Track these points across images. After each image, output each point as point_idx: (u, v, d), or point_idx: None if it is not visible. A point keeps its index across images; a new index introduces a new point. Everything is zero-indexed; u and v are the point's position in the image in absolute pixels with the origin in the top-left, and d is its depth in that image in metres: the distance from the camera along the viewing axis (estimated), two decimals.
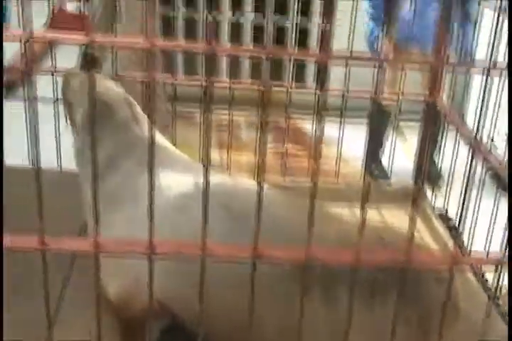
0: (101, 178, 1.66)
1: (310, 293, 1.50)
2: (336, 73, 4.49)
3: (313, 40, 4.76)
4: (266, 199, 1.29)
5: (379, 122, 3.64)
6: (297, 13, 4.51)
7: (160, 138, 1.86)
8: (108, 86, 1.88)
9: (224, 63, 4.63)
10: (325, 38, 1.01)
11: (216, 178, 1.67)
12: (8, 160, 3.04)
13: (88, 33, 0.87)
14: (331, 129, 3.65)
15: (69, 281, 1.87)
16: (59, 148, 2.40)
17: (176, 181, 1.67)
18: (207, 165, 0.99)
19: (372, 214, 1.50)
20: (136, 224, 1.57)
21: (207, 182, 0.98)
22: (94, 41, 0.89)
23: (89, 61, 1.83)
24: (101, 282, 1.64)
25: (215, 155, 3.79)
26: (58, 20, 5.73)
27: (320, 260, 1.03)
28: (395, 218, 2.17)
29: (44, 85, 4.26)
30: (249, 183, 1.72)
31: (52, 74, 2.30)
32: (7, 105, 3.71)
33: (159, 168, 1.65)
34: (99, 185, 1.67)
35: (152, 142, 0.96)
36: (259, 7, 4.64)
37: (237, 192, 1.64)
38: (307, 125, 4.31)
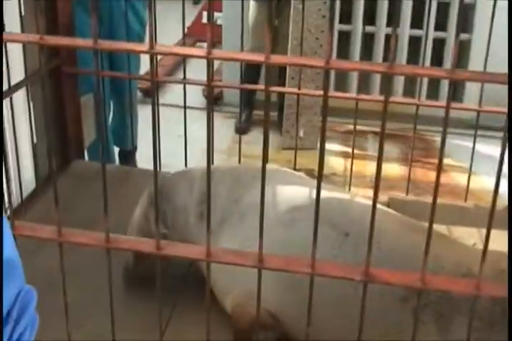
0: (200, 218, 1.72)
1: (423, 318, 1.44)
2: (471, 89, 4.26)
3: (449, 52, 4.58)
4: (378, 218, 1.23)
5: None
6: (428, 23, 4.36)
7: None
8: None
9: (354, 76, 4.57)
10: (455, 56, 0.95)
11: (327, 194, 1.64)
12: (145, 165, 3.20)
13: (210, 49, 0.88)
14: (465, 144, 3.52)
15: (184, 286, 1.92)
16: (185, 150, 2.48)
17: (285, 197, 1.66)
18: (319, 180, 0.97)
19: (499, 240, 1.41)
20: (246, 238, 1.59)
21: (318, 200, 0.96)
22: (213, 57, 0.90)
23: None
24: (217, 293, 1.68)
25: (339, 165, 3.77)
26: (195, 30, 5.98)
27: (435, 288, 0.98)
28: None
29: (178, 94, 4.43)
30: (360, 200, 1.68)
31: (184, 84, 2.39)
32: (144, 110, 3.91)
33: (267, 185, 1.66)
34: (200, 223, 1.73)
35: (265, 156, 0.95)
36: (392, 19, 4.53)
37: (348, 211, 1.60)
38: (438, 139, 4.17)
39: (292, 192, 1.66)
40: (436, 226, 1.02)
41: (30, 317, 0.64)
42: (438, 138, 4.20)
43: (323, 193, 1.60)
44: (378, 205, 1.05)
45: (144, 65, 3.47)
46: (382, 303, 1.46)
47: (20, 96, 2.29)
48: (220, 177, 1.73)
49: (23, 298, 0.63)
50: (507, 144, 0.94)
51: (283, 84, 3.90)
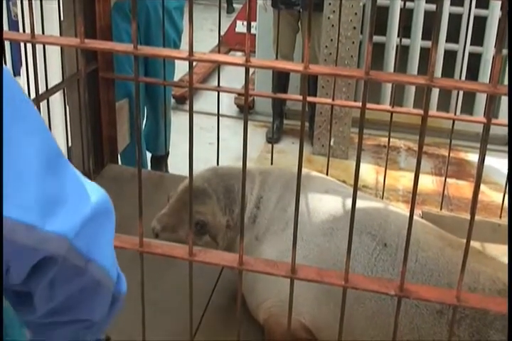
0: (252, 221, 1.70)
1: (458, 332, 1.42)
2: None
3: (487, 67, 4.52)
4: (417, 231, 1.20)
5: None
6: (467, 38, 4.32)
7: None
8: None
9: (388, 89, 4.54)
10: (497, 70, 0.94)
11: (367, 205, 1.63)
12: (176, 171, 3.21)
13: (248, 57, 0.88)
14: (500, 161, 3.47)
15: (214, 291, 1.91)
16: (218, 157, 2.47)
17: (325, 205, 1.65)
18: (355, 192, 0.96)
19: None
20: (286, 248, 1.59)
21: (353, 213, 0.95)
22: (251, 65, 0.90)
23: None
24: (250, 302, 1.67)
25: (370, 178, 3.74)
26: (228, 39, 6.02)
27: (471, 306, 0.96)
28: None
29: (209, 102, 4.43)
30: (400, 213, 1.66)
31: (218, 92, 2.39)
32: (176, 117, 3.93)
33: (309, 193, 1.65)
34: (251, 226, 1.71)
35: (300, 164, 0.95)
36: (427, 33, 4.50)
37: (387, 222, 1.59)
38: (472, 154, 4.11)
39: (332, 201, 1.65)
40: (471, 243, 1.00)
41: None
42: (471, 154, 4.14)
43: (363, 203, 1.58)
44: (416, 218, 1.03)
45: (177, 73, 3.50)
46: (418, 315, 1.45)
47: (56, 100, 2.32)
48: (273, 182, 1.72)
49: None
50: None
51: (314, 94, 3.89)
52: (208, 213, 1.69)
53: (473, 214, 0.97)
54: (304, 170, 1.79)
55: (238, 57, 1.00)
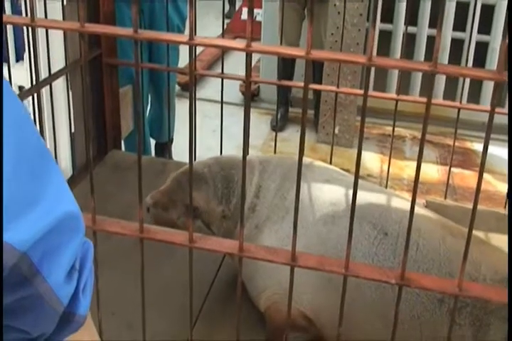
0: (252, 211, 1.68)
1: (459, 320, 1.42)
2: None
3: (494, 56, 4.48)
4: (418, 219, 1.18)
5: None
6: (472, 27, 4.27)
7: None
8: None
9: (393, 77, 4.50)
10: (504, 57, 0.92)
11: (368, 193, 1.62)
12: (180, 158, 3.20)
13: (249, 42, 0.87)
14: (506, 151, 3.45)
15: (215, 279, 1.91)
16: (221, 145, 2.46)
17: (326, 194, 1.64)
18: (356, 181, 0.95)
19: None
20: (286, 235, 1.58)
21: (354, 202, 0.94)
22: (253, 49, 0.89)
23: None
24: (251, 290, 1.67)
25: (375, 166, 3.72)
26: (234, 26, 5.99)
27: (472, 295, 0.95)
28: None
29: (214, 89, 4.38)
30: (401, 201, 1.65)
31: (221, 79, 2.38)
32: (181, 104, 3.91)
33: (309, 182, 1.64)
34: (251, 216, 1.69)
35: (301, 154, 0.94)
36: (434, 21, 4.45)
37: (388, 210, 1.58)
38: (477, 144, 4.09)
39: (333, 189, 1.64)
40: (474, 232, 0.99)
41: (90, 267, 0.64)
42: (477, 143, 4.12)
43: (365, 192, 1.57)
44: (418, 207, 1.02)
45: (182, 60, 3.48)
46: (418, 304, 1.44)
47: (60, 85, 2.31)
48: (272, 171, 1.71)
49: (82, 248, 0.63)
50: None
51: (319, 82, 3.86)
52: (200, 198, 1.68)
53: (476, 203, 0.95)
54: (306, 159, 1.77)
55: (240, 42, 0.98)
